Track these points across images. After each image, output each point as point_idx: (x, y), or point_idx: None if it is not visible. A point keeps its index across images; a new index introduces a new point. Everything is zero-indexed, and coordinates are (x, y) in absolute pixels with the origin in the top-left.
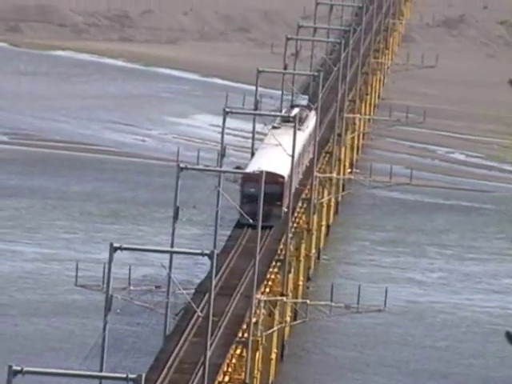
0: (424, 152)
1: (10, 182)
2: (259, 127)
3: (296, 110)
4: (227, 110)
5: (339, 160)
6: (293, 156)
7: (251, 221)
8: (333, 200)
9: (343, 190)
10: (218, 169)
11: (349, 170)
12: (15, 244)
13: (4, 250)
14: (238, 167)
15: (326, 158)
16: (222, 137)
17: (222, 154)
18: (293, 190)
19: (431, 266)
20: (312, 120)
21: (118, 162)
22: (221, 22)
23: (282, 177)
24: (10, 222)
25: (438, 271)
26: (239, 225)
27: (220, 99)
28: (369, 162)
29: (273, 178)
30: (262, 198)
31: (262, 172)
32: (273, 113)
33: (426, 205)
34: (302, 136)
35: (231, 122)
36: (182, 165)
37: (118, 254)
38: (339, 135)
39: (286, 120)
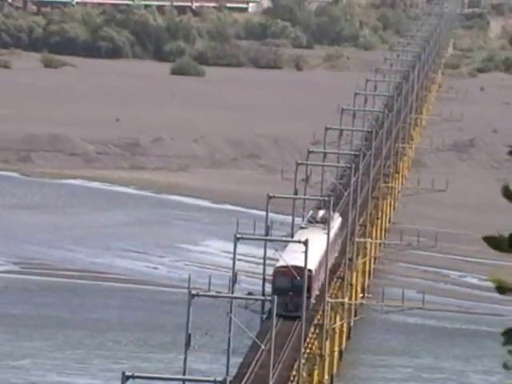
0: (436, 276)
1: (28, 312)
2: (270, 253)
3: (322, 212)
4: (238, 236)
5: (351, 285)
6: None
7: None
8: (345, 325)
9: (355, 315)
10: (230, 295)
11: (361, 295)
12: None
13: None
14: (250, 293)
15: (338, 283)
16: (234, 263)
17: (234, 280)
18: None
19: None
20: (337, 221)
21: (132, 290)
22: (231, 149)
23: (310, 270)
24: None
25: None
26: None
27: (231, 225)
28: (381, 287)
29: (301, 272)
30: (292, 291)
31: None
32: (284, 238)
33: (439, 329)
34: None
35: (242, 248)
36: (193, 291)
37: None
38: (350, 260)
39: (312, 221)
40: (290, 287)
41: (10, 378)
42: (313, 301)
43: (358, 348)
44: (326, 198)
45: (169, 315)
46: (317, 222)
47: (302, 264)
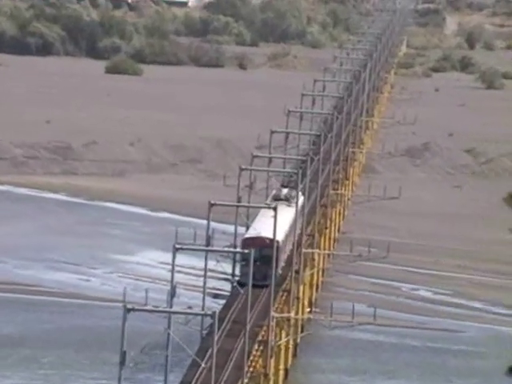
0: (388, 289)
1: None
2: (212, 264)
3: (285, 190)
4: (177, 246)
5: (297, 299)
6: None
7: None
8: (291, 342)
9: (302, 331)
10: (168, 310)
11: (308, 310)
12: None
13: None
14: (189, 307)
15: (284, 297)
16: (172, 275)
17: (172, 294)
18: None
19: None
20: (300, 199)
21: (64, 305)
22: (170, 153)
23: (277, 241)
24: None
25: None
26: (241, 284)
27: (170, 235)
28: (329, 301)
29: (269, 243)
30: (259, 261)
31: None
32: (226, 248)
33: (392, 346)
34: (292, 211)
35: (182, 259)
36: (129, 306)
37: None
38: (297, 272)
39: (277, 198)
40: (257, 257)
41: None
42: (279, 271)
43: (304, 366)
44: (272, 206)
45: (105, 332)
46: (281, 200)
47: (270, 235)
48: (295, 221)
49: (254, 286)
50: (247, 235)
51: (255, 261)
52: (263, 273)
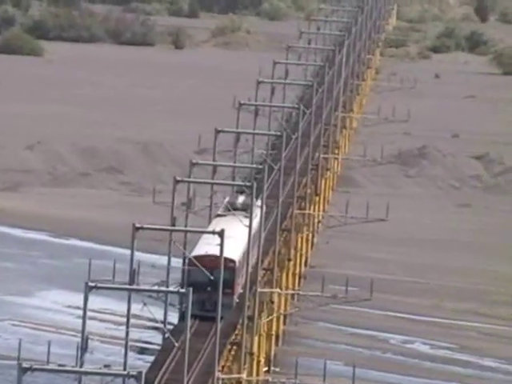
0: (372, 341)
1: None
2: (136, 308)
3: (242, 198)
4: (91, 284)
5: (251, 354)
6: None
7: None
8: None
9: None
10: (78, 369)
11: (265, 369)
12: None
13: None
14: (106, 366)
15: (233, 352)
16: (84, 323)
17: (84, 348)
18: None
19: None
20: (258, 208)
21: None
22: (81, 160)
23: (233, 261)
24: None
25: None
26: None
27: (80, 269)
28: (293, 357)
29: (224, 263)
30: (210, 286)
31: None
32: (156, 287)
33: None
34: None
35: (97, 302)
36: (25, 364)
37: None
38: (250, 318)
39: (232, 208)
40: (208, 281)
41: None
42: (236, 299)
43: None
44: (218, 231)
45: None
46: (236, 209)
47: (225, 254)
48: (256, 236)
49: (203, 318)
50: (195, 253)
51: (205, 286)
52: (214, 302)
